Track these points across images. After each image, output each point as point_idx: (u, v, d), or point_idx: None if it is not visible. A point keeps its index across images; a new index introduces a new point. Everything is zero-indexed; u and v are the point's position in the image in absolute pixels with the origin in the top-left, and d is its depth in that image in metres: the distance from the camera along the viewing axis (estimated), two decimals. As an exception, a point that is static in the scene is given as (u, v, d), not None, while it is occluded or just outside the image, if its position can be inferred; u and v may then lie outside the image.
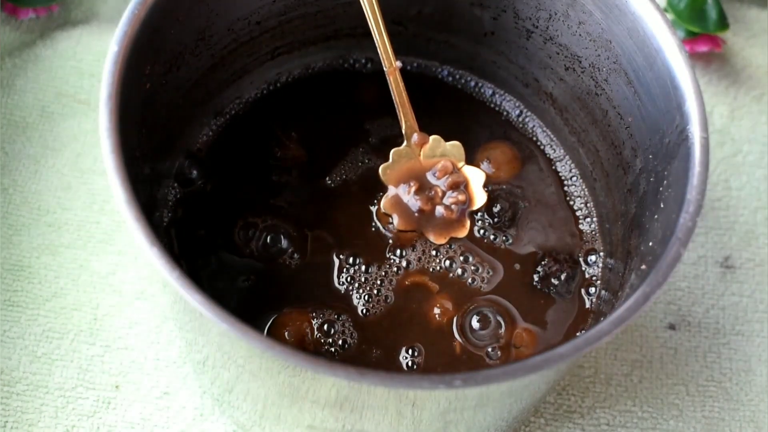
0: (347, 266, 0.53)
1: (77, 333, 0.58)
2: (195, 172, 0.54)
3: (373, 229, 0.54)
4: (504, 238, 0.54)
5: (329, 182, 0.55)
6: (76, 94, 0.66)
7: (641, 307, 0.40)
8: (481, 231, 0.54)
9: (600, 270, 0.54)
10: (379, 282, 0.52)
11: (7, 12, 0.68)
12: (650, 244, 0.45)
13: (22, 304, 0.59)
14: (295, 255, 0.53)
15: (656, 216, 0.46)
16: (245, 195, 0.54)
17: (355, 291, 0.52)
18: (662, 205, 0.45)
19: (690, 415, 0.58)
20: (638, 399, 0.59)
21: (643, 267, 0.44)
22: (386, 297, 0.52)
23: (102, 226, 0.61)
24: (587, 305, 0.53)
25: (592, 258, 0.54)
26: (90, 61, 0.67)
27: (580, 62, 0.52)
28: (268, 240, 0.53)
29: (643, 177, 0.49)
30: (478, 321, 0.51)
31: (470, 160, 0.55)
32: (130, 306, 0.59)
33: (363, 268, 0.53)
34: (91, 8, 0.70)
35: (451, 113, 0.58)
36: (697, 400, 0.59)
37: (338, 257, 0.53)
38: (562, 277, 0.53)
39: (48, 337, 0.58)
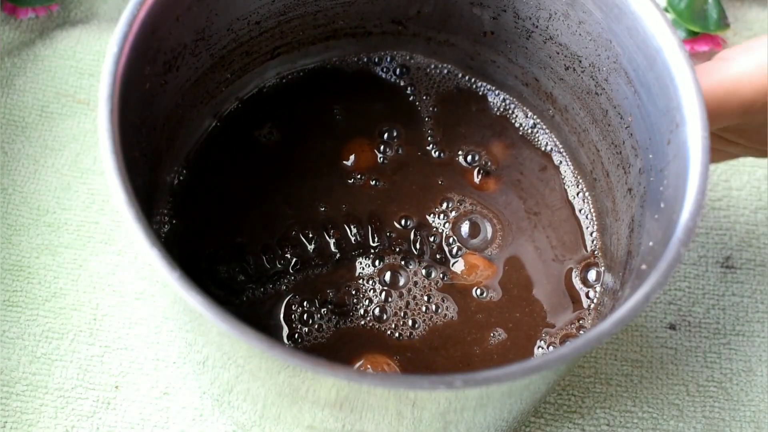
0: (360, 269, 0.53)
1: (77, 333, 0.58)
2: (194, 172, 0.54)
3: (389, 234, 0.54)
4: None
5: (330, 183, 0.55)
6: (75, 93, 0.66)
7: (641, 307, 0.40)
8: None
9: (600, 270, 0.54)
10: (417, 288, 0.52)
11: (6, 12, 0.68)
12: (650, 244, 0.45)
13: (22, 305, 0.59)
14: (299, 258, 0.53)
15: (656, 216, 0.46)
16: (245, 195, 0.54)
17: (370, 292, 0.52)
18: (662, 205, 0.45)
19: (690, 415, 0.58)
20: (638, 399, 0.59)
21: (643, 267, 0.44)
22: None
23: (101, 226, 0.61)
24: (587, 305, 0.53)
25: (592, 258, 0.54)
26: (89, 61, 0.67)
27: (580, 62, 0.52)
28: (271, 242, 0.53)
29: (643, 177, 0.49)
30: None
31: (469, 161, 0.55)
32: (129, 306, 0.59)
33: (376, 270, 0.53)
34: (90, 8, 0.70)
35: (451, 113, 0.58)
36: (697, 400, 0.59)
37: (350, 260, 0.53)
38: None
39: (47, 337, 0.58)
